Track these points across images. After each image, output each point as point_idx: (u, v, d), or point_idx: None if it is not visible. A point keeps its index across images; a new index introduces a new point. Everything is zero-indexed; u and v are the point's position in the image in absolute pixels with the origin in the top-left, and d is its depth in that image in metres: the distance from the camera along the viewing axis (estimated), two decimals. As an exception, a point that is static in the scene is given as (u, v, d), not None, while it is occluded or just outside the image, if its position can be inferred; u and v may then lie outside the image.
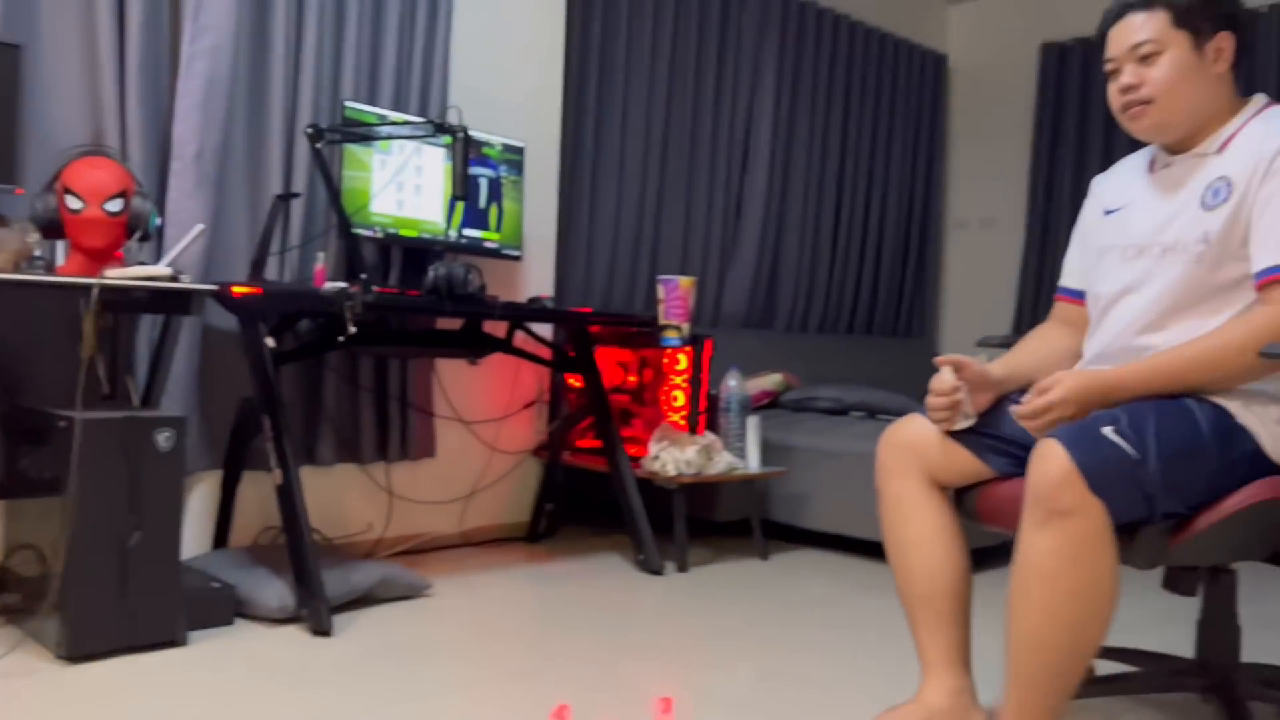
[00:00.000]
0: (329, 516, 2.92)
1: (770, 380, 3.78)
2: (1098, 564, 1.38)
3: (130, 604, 2.04)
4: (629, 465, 3.05)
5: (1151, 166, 1.70)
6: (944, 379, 1.64)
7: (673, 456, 2.99)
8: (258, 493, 2.74)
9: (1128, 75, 1.61)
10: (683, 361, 3.20)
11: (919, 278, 5.30)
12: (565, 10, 3.54)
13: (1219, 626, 1.69)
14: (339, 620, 2.30)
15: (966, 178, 5.51)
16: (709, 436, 3.09)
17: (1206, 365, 1.49)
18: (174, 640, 2.10)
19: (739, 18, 4.30)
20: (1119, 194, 1.74)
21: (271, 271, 2.73)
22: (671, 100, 4.06)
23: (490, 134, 3.14)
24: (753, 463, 3.15)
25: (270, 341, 2.38)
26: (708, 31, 4.18)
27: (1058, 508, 1.37)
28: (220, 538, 2.66)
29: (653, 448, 3.06)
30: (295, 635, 2.23)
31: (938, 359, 1.65)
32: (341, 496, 2.97)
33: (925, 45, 5.25)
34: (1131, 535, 1.44)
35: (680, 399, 3.21)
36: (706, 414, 3.26)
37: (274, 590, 2.30)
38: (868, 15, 4.97)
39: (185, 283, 2.21)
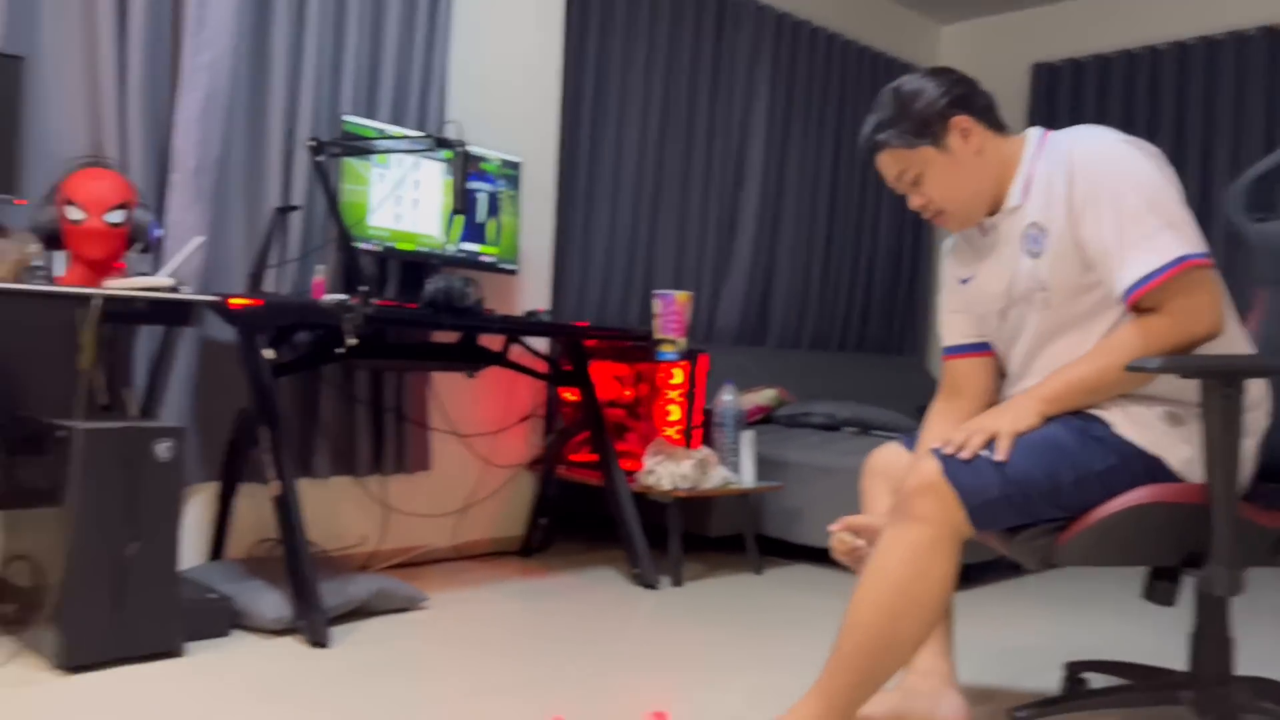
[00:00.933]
0: (324, 528, 2.92)
1: (764, 396, 3.80)
2: (930, 569, 1.50)
3: (128, 614, 2.04)
4: (624, 479, 3.06)
5: (982, 229, 1.77)
6: (842, 540, 1.75)
7: (668, 471, 3.00)
8: (253, 505, 2.74)
9: (912, 199, 1.74)
10: (678, 376, 3.22)
11: (910, 296, 5.33)
12: (563, 27, 3.57)
13: (1211, 639, 1.71)
14: (335, 632, 2.30)
15: (957, 196, 5.55)
16: (704, 451, 3.10)
17: (1085, 389, 1.59)
18: (171, 651, 2.10)
19: (733, 35, 4.35)
20: (965, 263, 1.82)
21: (269, 284, 2.74)
22: (667, 115, 4.09)
23: (488, 149, 3.16)
24: (747, 477, 3.17)
25: (269, 353, 2.40)
26: (702, 48, 4.22)
27: (910, 512, 1.51)
28: (216, 549, 2.66)
29: (648, 462, 3.07)
30: (292, 646, 2.22)
31: (831, 526, 1.76)
32: (336, 509, 2.97)
33: (917, 65, 5.31)
34: (1013, 537, 1.57)
35: (675, 414, 3.23)
36: (701, 429, 3.28)
37: (271, 602, 2.30)
38: (861, 34, 5.02)
39: (186, 294, 2.22)
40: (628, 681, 2.10)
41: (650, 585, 2.94)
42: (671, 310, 3.01)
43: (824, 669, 1.56)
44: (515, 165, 3.22)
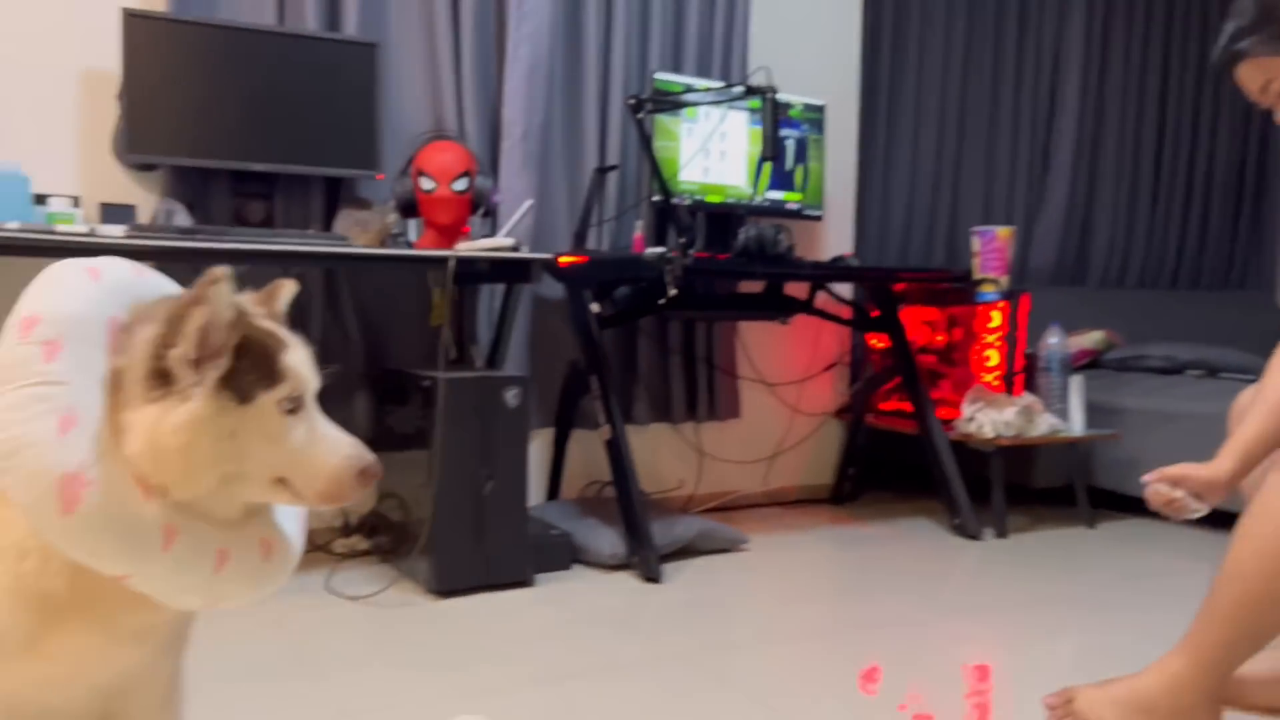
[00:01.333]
0: (645, 472, 3.05)
1: (1091, 338, 3.54)
2: None
3: (486, 546, 2.24)
4: (940, 428, 2.96)
5: None
6: (1158, 492, 1.59)
7: (990, 418, 2.88)
8: (581, 449, 2.91)
9: None
10: (996, 319, 3.06)
11: (1255, 224, 4.76)
12: (862, -37, 3.47)
13: None
14: (665, 569, 2.41)
15: (1314, 108, 4.87)
16: (1028, 397, 2.94)
17: None
18: (523, 581, 2.29)
19: (1045, -47, 4.03)
20: None
21: (590, 241, 2.88)
22: (971, 46, 3.87)
23: (790, 95, 3.13)
24: (1077, 425, 2.97)
25: (595, 307, 2.52)
26: (1011, -29, 3.95)
27: None
28: (552, 490, 2.86)
29: (967, 409, 2.96)
30: (628, 581, 2.35)
31: (1145, 478, 1.60)
32: (656, 454, 3.10)
33: (1262, -38, 4.68)
34: None
35: (994, 358, 3.08)
36: (1022, 374, 3.11)
37: (606, 539, 2.44)
38: (1193, -65, 4.49)
39: (524, 254, 2.38)
40: (950, 632, 2.05)
41: (973, 536, 2.85)
42: (992, 248, 2.87)
43: (1194, 622, 1.45)
44: (819, 109, 3.17)
